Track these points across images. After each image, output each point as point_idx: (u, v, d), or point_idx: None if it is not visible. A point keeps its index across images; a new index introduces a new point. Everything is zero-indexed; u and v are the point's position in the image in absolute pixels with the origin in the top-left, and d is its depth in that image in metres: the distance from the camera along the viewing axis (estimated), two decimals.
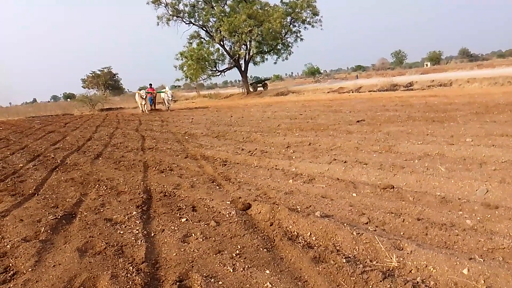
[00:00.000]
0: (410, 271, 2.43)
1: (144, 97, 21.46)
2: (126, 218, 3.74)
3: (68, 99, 63.06)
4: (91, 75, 61.79)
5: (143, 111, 21.78)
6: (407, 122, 8.06)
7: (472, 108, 9.10)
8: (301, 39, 32.34)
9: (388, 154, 5.50)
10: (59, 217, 3.85)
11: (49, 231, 3.48)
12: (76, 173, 5.99)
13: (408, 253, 2.54)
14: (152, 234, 3.33)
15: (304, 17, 31.03)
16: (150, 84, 24.17)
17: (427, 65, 61.14)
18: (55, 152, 8.43)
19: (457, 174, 4.19)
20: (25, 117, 27.70)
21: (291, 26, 31.58)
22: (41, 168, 6.63)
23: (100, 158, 7.26)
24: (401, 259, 2.51)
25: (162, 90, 23.65)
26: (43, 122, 19.82)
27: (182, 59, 31.25)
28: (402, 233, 3.02)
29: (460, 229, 2.94)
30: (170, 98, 21.88)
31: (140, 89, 22.61)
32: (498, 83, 15.38)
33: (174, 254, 2.88)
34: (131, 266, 2.69)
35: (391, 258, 2.52)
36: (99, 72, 62.02)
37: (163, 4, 31.07)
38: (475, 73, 20.61)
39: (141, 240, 3.14)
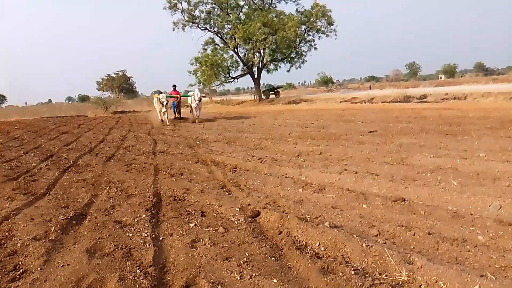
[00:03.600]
0: (420, 286, 2.39)
1: (165, 102, 15.88)
2: (136, 221, 3.76)
3: (83, 101, 63.85)
4: (106, 78, 62.54)
5: (162, 121, 16.35)
6: (420, 135, 7.98)
7: (487, 123, 8.97)
8: (315, 48, 32.43)
9: (400, 166, 5.44)
10: (69, 217, 3.88)
11: (59, 231, 3.51)
12: (88, 174, 6.05)
13: (418, 268, 2.50)
14: (161, 238, 3.33)
15: (318, 26, 31.08)
16: (174, 86, 18.72)
17: (441, 77, 60.60)
18: (68, 153, 8.53)
19: (470, 189, 4.12)
20: (40, 117, 28.10)
21: (305, 35, 31.68)
22: (53, 168, 6.71)
23: (112, 160, 7.32)
24: (411, 273, 2.47)
25: (189, 94, 18.28)
26: (57, 123, 20.09)
27: (196, 65, 31.55)
28: (412, 247, 2.97)
29: (472, 245, 2.89)
30: (198, 102, 16.13)
31: (156, 93, 17.23)
32: None
33: (182, 259, 2.87)
34: (138, 269, 2.69)
35: (400, 272, 2.49)
36: (114, 75, 62.74)
37: (179, 10, 31.44)
38: (490, 87, 20.36)
39: (150, 244, 3.15)
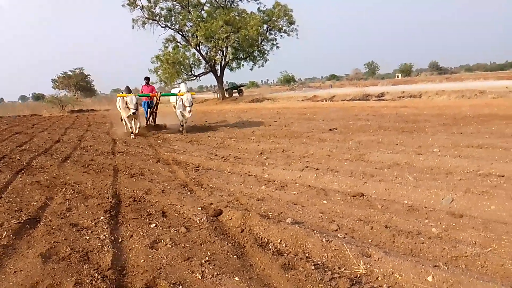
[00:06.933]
0: (377, 278, 2.46)
1: (133, 105, 10.10)
2: (93, 223, 3.64)
3: (37, 100, 61.27)
4: (62, 75, 60.38)
5: (132, 132, 10.96)
6: (378, 132, 8.24)
7: (441, 120, 9.39)
8: (277, 47, 32.79)
9: (359, 162, 5.59)
10: (22, 221, 3.70)
11: (11, 235, 3.34)
12: (42, 176, 5.79)
13: (375, 260, 2.58)
14: (120, 240, 3.25)
15: (280, 26, 31.47)
16: (147, 79, 12.75)
17: (398, 76, 62.97)
18: (21, 154, 8.13)
19: (424, 183, 4.30)
20: None
21: (267, 34, 31.93)
22: (5, 171, 6.37)
23: (68, 161, 7.05)
24: (369, 266, 2.54)
25: (172, 92, 12.67)
26: (10, 123, 19.13)
27: (157, 63, 31.00)
28: (370, 241, 3.06)
29: (426, 237, 3.01)
30: (189, 106, 10.61)
31: (124, 92, 10.64)
32: (466, 96, 15.94)
33: (142, 260, 2.81)
34: (96, 272, 2.61)
35: (359, 265, 2.55)
36: (70, 73, 60.69)
37: (138, 7, 30.81)
38: (444, 86, 21.33)
39: (108, 246, 3.05)
